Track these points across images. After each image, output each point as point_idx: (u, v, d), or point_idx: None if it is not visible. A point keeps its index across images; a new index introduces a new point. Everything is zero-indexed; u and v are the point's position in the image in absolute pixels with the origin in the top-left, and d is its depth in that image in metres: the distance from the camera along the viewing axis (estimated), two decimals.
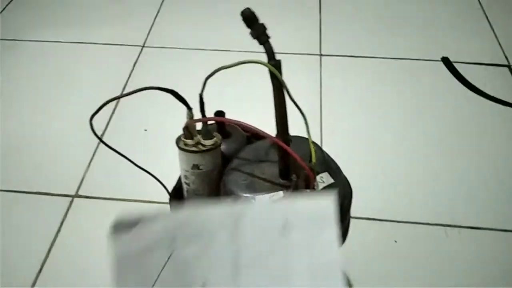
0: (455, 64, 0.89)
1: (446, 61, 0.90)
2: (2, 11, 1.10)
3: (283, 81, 0.34)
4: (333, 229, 0.31)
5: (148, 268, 0.30)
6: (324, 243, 0.31)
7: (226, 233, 0.31)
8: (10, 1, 1.12)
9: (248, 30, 0.33)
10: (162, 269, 0.30)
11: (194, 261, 0.30)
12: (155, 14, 1.09)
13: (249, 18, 0.32)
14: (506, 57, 0.96)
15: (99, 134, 0.80)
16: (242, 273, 0.31)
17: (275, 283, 0.31)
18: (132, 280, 0.30)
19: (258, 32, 0.32)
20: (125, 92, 0.29)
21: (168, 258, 0.30)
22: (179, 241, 0.30)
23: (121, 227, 0.30)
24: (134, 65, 0.96)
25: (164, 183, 0.43)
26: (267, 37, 0.33)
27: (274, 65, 0.33)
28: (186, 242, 0.30)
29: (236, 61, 0.33)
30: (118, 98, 0.33)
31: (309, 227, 0.31)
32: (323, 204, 0.32)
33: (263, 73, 0.34)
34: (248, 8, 0.33)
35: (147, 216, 0.30)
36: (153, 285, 0.30)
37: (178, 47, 1.00)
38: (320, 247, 0.31)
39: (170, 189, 0.44)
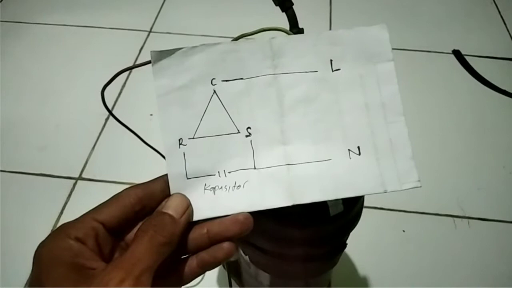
0: (466, 58, 0.88)
1: (457, 54, 0.89)
2: None
3: None
4: (390, 60, 0.29)
5: (193, 103, 0.28)
6: (380, 77, 0.29)
7: (267, 70, 0.29)
8: None
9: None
10: (208, 104, 0.28)
11: (238, 99, 0.28)
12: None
13: None
14: None
15: (104, 120, 0.80)
16: (289, 111, 0.28)
17: (327, 120, 0.28)
18: (177, 115, 0.28)
19: None
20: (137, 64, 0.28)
21: (212, 95, 0.28)
22: (221, 76, 0.28)
23: (162, 56, 0.28)
24: (140, 50, 0.95)
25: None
26: (291, 3, 0.31)
27: (297, 33, 0.32)
28: (227, 79, 0.28)
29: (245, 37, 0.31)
30: (131, 68, 0.32)
31: (360, 60, 0.29)
32: (375, 33, 0.29)
33: None
34: None
35: (186, 47, 0.28)
36: (200, 121, 0.28)
37: (186, 33, 0.98)
38: (375, 81, 0.29)
39: None
